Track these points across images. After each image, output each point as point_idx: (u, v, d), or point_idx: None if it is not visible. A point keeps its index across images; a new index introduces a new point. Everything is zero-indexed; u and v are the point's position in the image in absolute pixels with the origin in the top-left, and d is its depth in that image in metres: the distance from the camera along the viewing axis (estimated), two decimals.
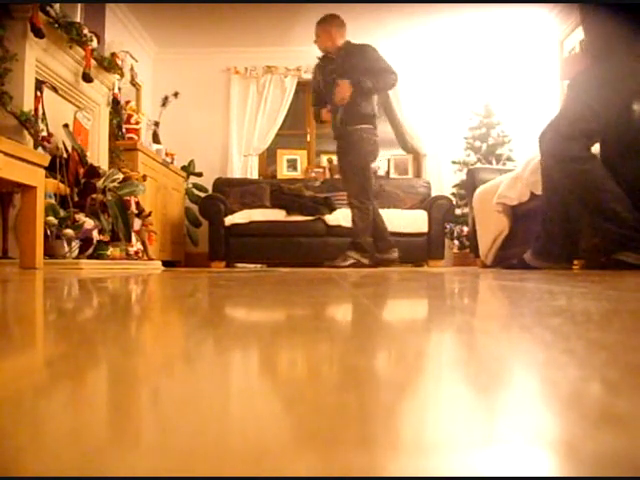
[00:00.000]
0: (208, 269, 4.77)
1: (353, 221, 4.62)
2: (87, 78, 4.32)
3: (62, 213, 3.67)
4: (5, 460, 0.19)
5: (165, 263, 5.05)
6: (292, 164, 7.12)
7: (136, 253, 4.45)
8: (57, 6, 4.00)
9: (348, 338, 0.49)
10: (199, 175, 6.73)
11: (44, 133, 3.78)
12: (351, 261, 4.47)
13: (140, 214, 4.57)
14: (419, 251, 5.94)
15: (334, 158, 7.23)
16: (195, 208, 6.45)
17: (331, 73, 4.57)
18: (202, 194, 6.52)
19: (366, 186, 4.54)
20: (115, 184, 4.16)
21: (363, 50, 4.54)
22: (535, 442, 0.21)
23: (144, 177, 4.82)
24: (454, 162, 6.87)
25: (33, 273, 2.61)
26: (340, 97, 4.38)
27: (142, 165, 5.22)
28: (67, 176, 3.84)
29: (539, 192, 3.67)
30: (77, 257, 3.64)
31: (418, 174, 7.14)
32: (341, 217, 5.93)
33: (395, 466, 0.18)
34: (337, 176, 7.00)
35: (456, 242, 6.67)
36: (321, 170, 7.16)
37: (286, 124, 7.12)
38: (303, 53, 6.77)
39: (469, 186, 5.10)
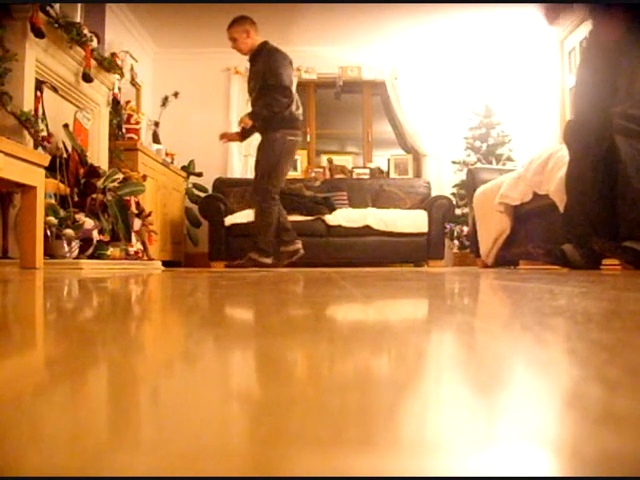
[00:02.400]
0: (208, 269, 4.77)
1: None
2: (87, 78, 4.32)
3: (62, 213, 3.67)
4: (5, 460, 0.19)
5: (165, 263, 5.05)
6: (292, 164, 7.11)
7: (136, 253, 4.45)
8: (57, 6, 4.00)
9: (348, 338, 0.49)
10: (199, 175, 6.74)
11: (44, 133, 3.78)
12: (251, 262, 4.57)
13: (140, 214, 4.57)
14: (419, 251, 5.95)
15: (334, 158, 7.24)
16: (195, 208, 6.45)
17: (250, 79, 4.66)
18: (202, 194, 6.52)
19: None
20: (115, 184, 4.16)
21: (270, 56, 4.51)
22: (536, 442, 0.21)
23: (144, 177, 4.82)
24: (454, 162, 6.88)
25: (33, 273, 2.61)
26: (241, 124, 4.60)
27: (142, 165, 5.22)
28: (67, 176, 3.84)
29: (542, 192, 3.66)
30: (77, 257, 3.65)
31: (418, 174, 7.14)
32: (341, 217, 5.93)
33: (395, 466, 0.18)
34: (338, 176, 7.01)
35: (456, 242, 6.67)
36: (321, 170, 7.16)
37: None
38: (303, 53, 6.77)
39: (469, 186, 5.10)
